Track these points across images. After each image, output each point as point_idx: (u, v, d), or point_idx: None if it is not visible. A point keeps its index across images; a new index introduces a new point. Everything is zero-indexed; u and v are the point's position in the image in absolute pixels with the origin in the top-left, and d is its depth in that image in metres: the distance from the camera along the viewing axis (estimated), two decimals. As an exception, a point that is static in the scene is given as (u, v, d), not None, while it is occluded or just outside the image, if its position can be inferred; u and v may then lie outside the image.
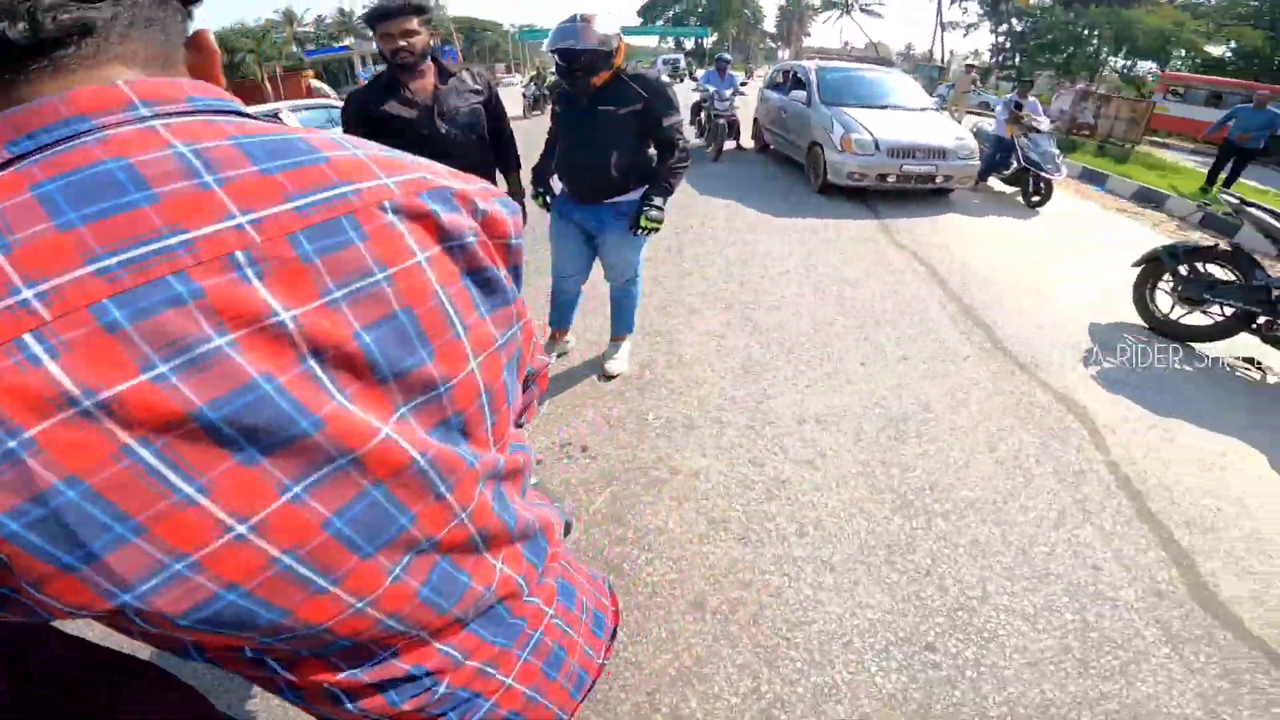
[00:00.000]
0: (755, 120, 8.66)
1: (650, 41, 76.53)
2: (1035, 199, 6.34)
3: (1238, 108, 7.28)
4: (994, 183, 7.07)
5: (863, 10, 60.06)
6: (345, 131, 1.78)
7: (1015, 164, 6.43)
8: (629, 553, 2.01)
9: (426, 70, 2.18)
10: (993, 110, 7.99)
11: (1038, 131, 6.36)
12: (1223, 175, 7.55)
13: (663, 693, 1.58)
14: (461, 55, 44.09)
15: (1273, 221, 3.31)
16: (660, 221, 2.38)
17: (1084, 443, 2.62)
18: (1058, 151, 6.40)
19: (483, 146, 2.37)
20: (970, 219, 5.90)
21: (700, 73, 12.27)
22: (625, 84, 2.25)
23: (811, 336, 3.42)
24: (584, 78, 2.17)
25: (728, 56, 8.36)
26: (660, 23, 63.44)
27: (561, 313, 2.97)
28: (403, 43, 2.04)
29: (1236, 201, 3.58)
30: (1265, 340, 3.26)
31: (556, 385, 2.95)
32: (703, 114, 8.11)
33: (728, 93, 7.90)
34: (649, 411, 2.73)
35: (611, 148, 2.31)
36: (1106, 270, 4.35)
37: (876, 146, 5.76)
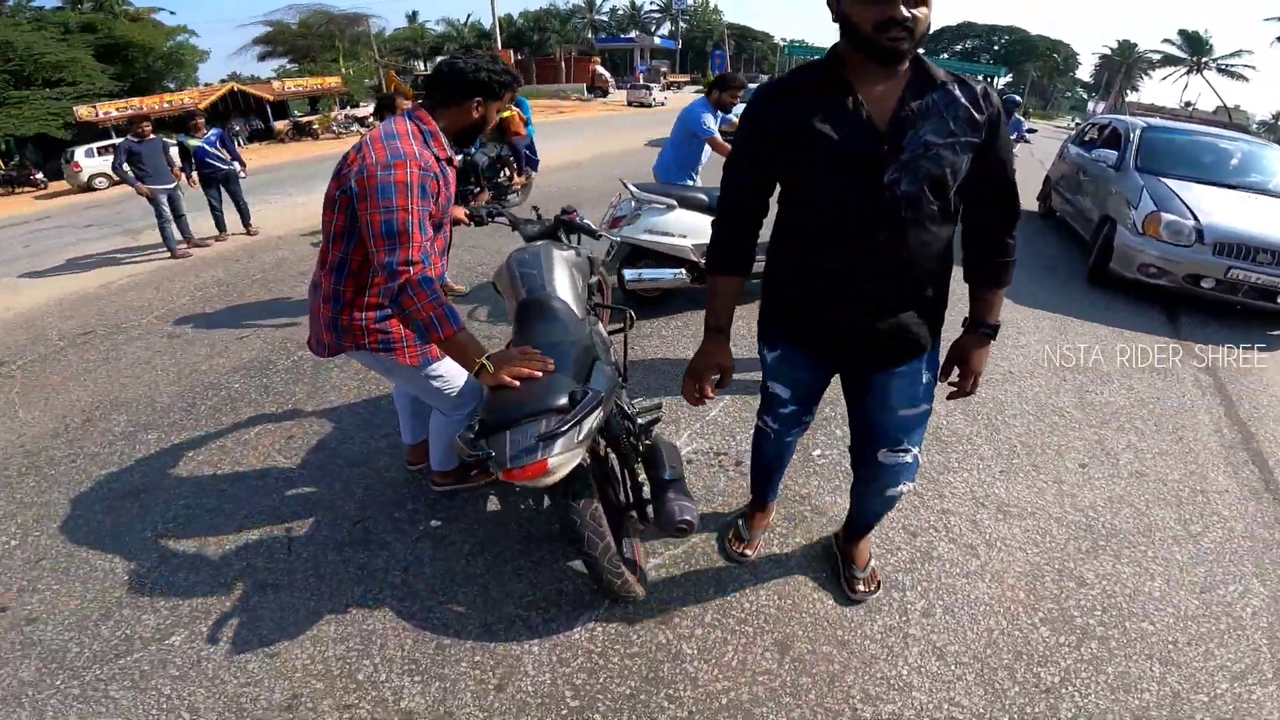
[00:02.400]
0: (1046, 179, 7.26)
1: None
2: None
3: None
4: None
5: (1221, 70, 48.39)
6: (742, 138, 1.24)
7: None
8: (739, 573, 1.94)
9: (898, 71, 1.16)
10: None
11: None
12: None
13: (704, 719, 1.51)
14: (730, 62, 45.14)
15: None
16: None
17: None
18: None
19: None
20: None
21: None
22: None
23: (1031, 421, 2.90)
24: None
25: (1018, 98, 7.42)
26: (945, 56, 58.61)
27: None
28: (908, 11, 1.05)
29: None
30: None
31: (737, 387, 2.89)
32: (972, 156, 7.23)
33: (1010, 136, 6.95)
34: (816, 448, 2.55)
35: None
36: None
37: (1199, 237, 4.23)
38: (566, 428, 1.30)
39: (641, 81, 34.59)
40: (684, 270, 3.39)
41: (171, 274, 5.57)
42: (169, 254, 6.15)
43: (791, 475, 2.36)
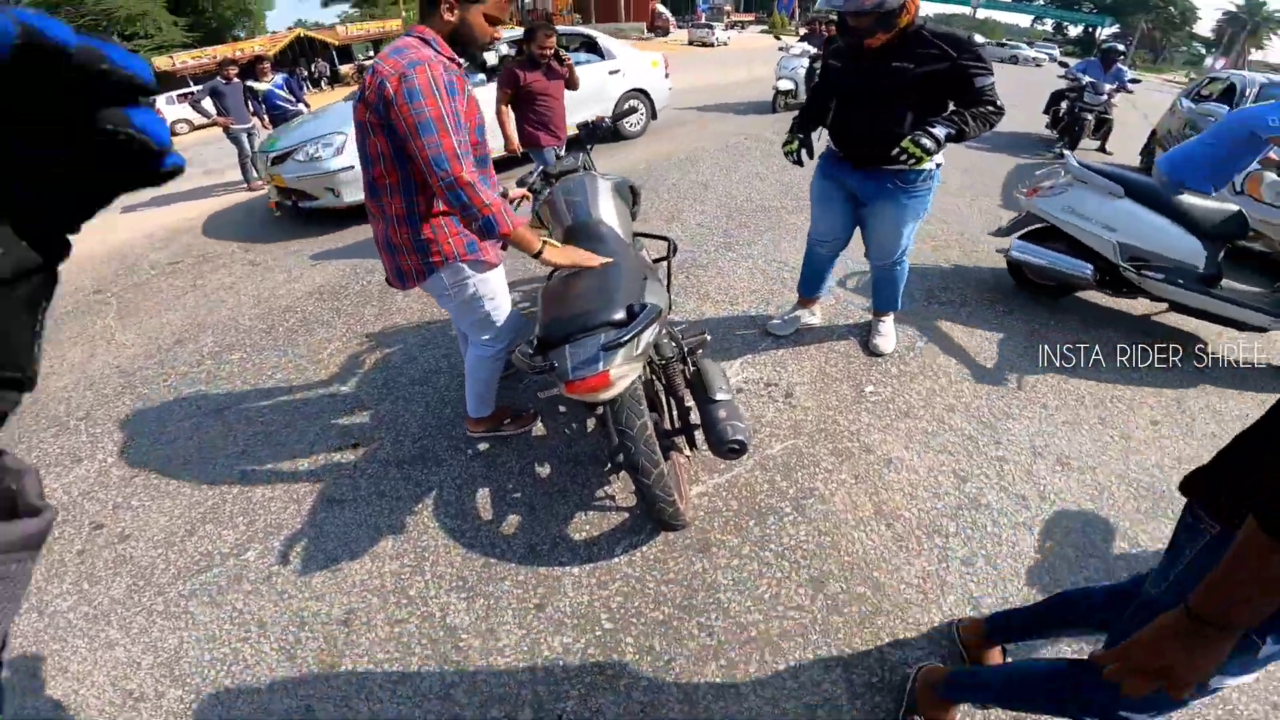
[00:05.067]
0: (1152, 133, 6.75)
1: (1021, 20, 65.17)
2: None
3: None
4: None
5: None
6: None
7: None
8: (780, 506, 1.96)
9: None
10: None
11: None
12: None
13: (731, 649, 1.56)
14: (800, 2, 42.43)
15: None
16: (927, 151, 1.94)
17: None
18: None
19: None
20: None
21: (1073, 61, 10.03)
22: (927, 40, 1.97)
23: (1103, 372, 2.72)
24: (858, 39, 2.00)
25: (1121, 47, 6.71)
26: (1043, 1, 53.27)
27: (811, 281, 2.79)
28: None
29: None
30: None
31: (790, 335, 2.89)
32: (1063, 104, 6.67)
33: (1108, 86, 6.37)
34: (868, 384, 2.51)
35: (904, 111, 2.05)
36: None
37: None
38: (628, 338, 1.32)
39: (704, 20, 33.30)
40: (1091, 267, 2.93)
41: (249, 208, 5.88)
42: (246, 187, 6.64)
43: (844, 410, 2.35)
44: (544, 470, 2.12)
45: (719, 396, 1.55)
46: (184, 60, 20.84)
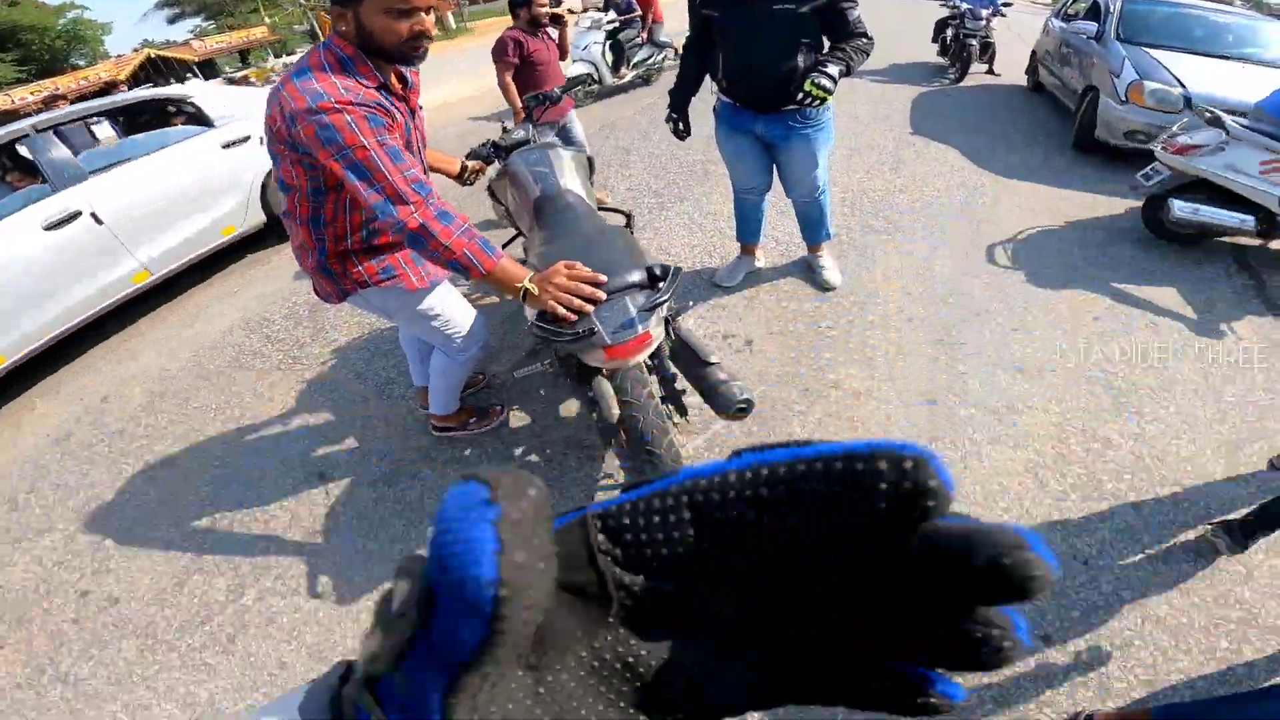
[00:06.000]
0: (1032, 54, 7.00)
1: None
2: None
3: None
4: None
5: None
6: None
7: None
8: None
9: None
10: None
11: None
12: None
13: None
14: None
15: None
16: (829, 92, 2.03)
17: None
18: None
19: None
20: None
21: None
22: None
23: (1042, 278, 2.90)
24: None
25: None
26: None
27: (747, 228, 2.86)
28: None
29: None
30: None
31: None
32: (948, 32, 7.00)
33: (984, 11, 6.72)
34: (823, 320, 2.60)
35: (796, 51, 2.12)
36: None
37: (1186, 103, 4.17)
38: (665, 298, 1.34)
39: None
40: (1254, 218, 3.03)
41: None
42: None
43: (805, 350, 2.44)
44: (522, 466, 2.10)
45: (713, 359, 1.54)
46: (22, 96, 18.65)
